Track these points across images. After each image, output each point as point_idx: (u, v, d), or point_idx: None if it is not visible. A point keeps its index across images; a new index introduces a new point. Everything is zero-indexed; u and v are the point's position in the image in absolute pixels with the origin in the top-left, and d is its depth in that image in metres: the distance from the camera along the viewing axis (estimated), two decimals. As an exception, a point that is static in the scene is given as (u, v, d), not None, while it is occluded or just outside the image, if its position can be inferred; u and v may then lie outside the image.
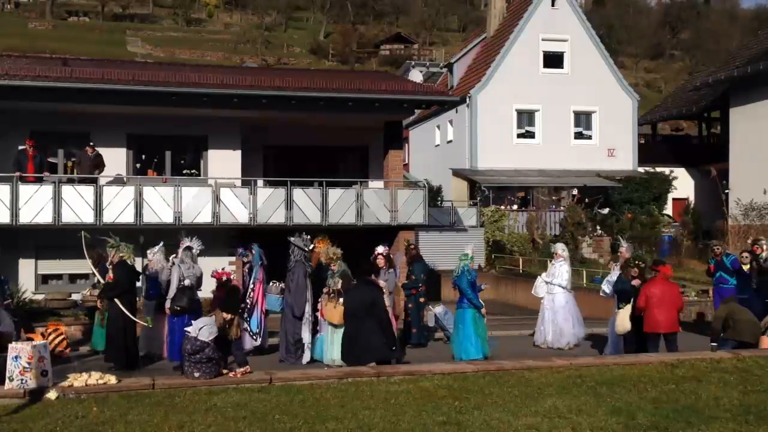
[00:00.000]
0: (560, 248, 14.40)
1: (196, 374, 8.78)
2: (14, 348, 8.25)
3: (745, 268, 14.27)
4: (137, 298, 12.24)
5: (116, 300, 11.27)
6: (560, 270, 13.84)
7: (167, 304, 11.80)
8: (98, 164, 17.75)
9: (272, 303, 13.06)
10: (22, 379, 8.07)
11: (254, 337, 12.96)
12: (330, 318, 11.63)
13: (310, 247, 12.60)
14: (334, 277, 11.87)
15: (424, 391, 8.21)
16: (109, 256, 11.97)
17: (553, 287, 13.77)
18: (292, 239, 12.45)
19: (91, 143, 17.71)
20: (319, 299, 12.23)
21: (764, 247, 14.25)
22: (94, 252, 13.18)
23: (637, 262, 12.34)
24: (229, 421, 7.02)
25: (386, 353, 10.13)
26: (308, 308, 12.21)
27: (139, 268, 12.95)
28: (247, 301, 12.94)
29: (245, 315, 12.90)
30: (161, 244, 12.80)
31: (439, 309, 15.08)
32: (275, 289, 13.02)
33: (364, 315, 10.12)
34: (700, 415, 7.21)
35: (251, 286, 13.03)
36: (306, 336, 12.14)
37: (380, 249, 12.95)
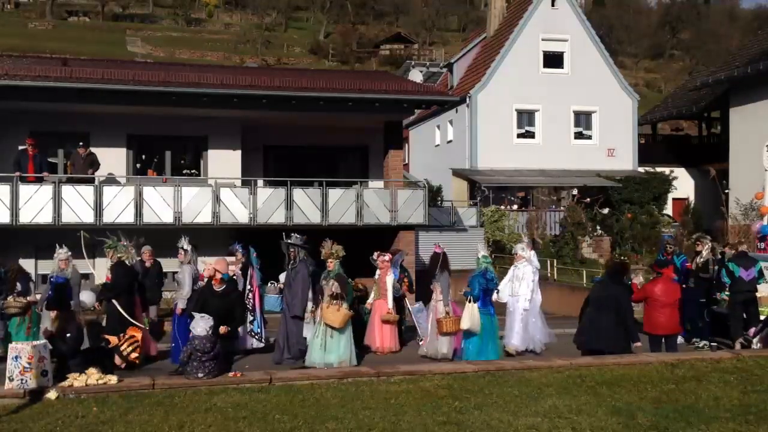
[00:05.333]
0: (520, 249, 13.54)
1: (200, 374, 8.77)
2: (14, 348, 8.25)
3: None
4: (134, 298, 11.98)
5: (114, 301, 11.13)
6: (525, 271, 13.14)
7: (181, 305, 11.66)
8: (92, 163, 17.71)
9: (271, 303, 13.07)
10: (22, 379, 8.07)
11: (257, 336, 12.97)
12: (332, 322, 11.55)
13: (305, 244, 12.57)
14: (329, 278, 11.78)
15: (424, 391, 8.20)
16: (107, 256, 11.84)
17: (518, 290, 13.09)
18: (289, 241, 12.42)
19: (81, 143, 17.65)
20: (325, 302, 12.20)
21: (706, 245, 14.01)
22: (14, 264, 12.75)
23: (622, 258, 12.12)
24: (229, 421, 7.01)
25: (619, 347, 10.31)
26: (309, 307, 12.21)
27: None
28: (247, 303, 12.93)
29: (247, 317, 12.90)
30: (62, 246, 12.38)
31: (416, 306, 15.06)
32: (274, 289, 13.04)
33: (606, 306, 10.26)
34: (700, 415, 7.21)
35: (249, 287, 13.01)
36: (309, 336, 12.14)
37: (437, 249, 12.92)
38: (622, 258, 16.91)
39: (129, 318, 11.26)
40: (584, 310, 10.71)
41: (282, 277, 13.28)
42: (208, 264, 11.17)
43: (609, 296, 10.27)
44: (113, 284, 11.39)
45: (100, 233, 13.11)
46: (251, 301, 13.02)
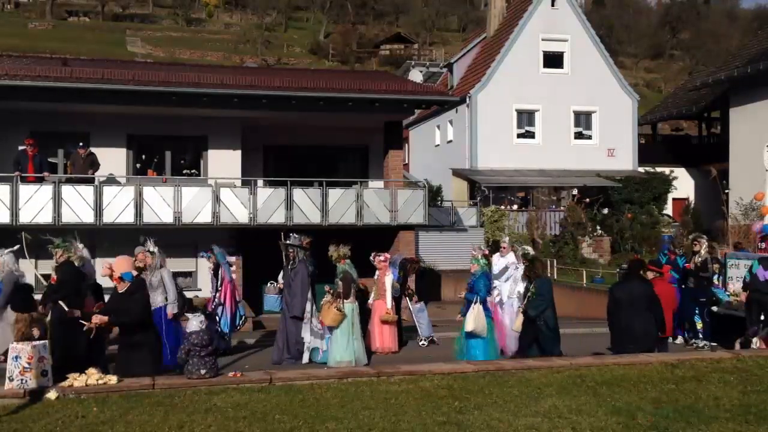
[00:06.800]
0: (522, 252, 13.13)
1: (203, 371, 8.75)
2: (14, 348, 8.25)
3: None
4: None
5: (61, 303, 10.14)
6: (517, 274, 12.90)
7: (172, 309, 11.30)
8: (92, 164, 17.70)
9: (271, 303, 13.06)
10: (22, 379, 8.07)
11: (226, 336, 12.88)
12: (323, 319, 11.74)
13: (307, 240, 12.58)
14: (337, 279, 12.01)
15: (424, 391, 8.20)
16: (55, 256, 10.94)
17: (513, 292, 12.94)
18: (288, 242, 12.44)
19: (82, 144, 17.63)
20: (323, 300, 12.30)
21: (704, 244, 14.03)
22: None
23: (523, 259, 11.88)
24: (229, 421, 7.01)
25: (657, 344, 10.45)
26: (309, 307, 12.22)
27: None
28: (216, 300, 12.80)
29: (216, 316, 12.80)
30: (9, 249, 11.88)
31: (417, 306, 15.11)
32: (273, 289, 13.02)
33: (640, 307, 10.29)
34: (700, 415, 7.20)
35: (218, 286, 12.89)
36: (307, 336, 12.16)
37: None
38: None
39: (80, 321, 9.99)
40: (612, 313, 10.65)
41: (280, 276, 13.28)
42: (105, 263, 10.45)
43: (640, 297, 10.27)
44: (60, 285, 10.43)
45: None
46: (221, 298, 12.84)
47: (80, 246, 11.30)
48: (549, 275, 11.80)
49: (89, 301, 10.76)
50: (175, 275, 12.47)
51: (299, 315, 12.11)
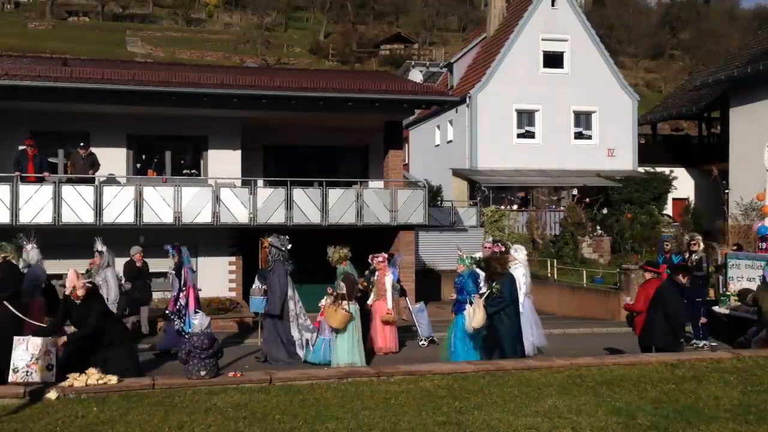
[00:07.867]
0: (513, 250, 12.66)
1: (203, 372, 8.76)
2: (23, 340, 8.25)
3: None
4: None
5: (6, 303, 9.89)
6: (516, 275, 12.26)
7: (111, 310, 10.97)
8: (92, 164, 17.68)
9: (256, 304, 13.04)
10: (27, 372, 8.05)
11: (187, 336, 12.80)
12: (329, 322, 11.73)
13: (288, 246, 12.59)
14: (338, 280, 12.02)
15: (424, 391, 8.20)
16: None
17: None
18: (269, 240, 12.48)
19: (82, 144, 17.62)
20: (321, 301, 12.31)
21: (700, 243, 14.23)
22: None
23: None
24: (229, 421, 7.01)
25: (667, 344, 10.53)
26: (293, 306, 12.26)
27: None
28: (180, 302, 12.75)
29: (178, 316, 12.74)
30: None
31: (417, 306, 15.12)
32: (258, 291, 13.02)
33: (657, 306, 10.53)
34: (700, 415, 7.20)
35: (181, 287, 12.84)
36: (296, 334, 12.19)
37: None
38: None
39: (27, 319, 9.84)
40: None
41: (256, 279, 13.32)
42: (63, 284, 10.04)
43: (658, 296, 10.51)
44: (5, 284, 10.12)
45: (100, 233, 13.01)
46: (185, 300, 12.80)
47: (29, 247, 11.20)
48: (511, 272, 11.61)
49: (38, 303, 10.69)
50: (121, 277, 12.30)
51: (276, 314, 12.18)
